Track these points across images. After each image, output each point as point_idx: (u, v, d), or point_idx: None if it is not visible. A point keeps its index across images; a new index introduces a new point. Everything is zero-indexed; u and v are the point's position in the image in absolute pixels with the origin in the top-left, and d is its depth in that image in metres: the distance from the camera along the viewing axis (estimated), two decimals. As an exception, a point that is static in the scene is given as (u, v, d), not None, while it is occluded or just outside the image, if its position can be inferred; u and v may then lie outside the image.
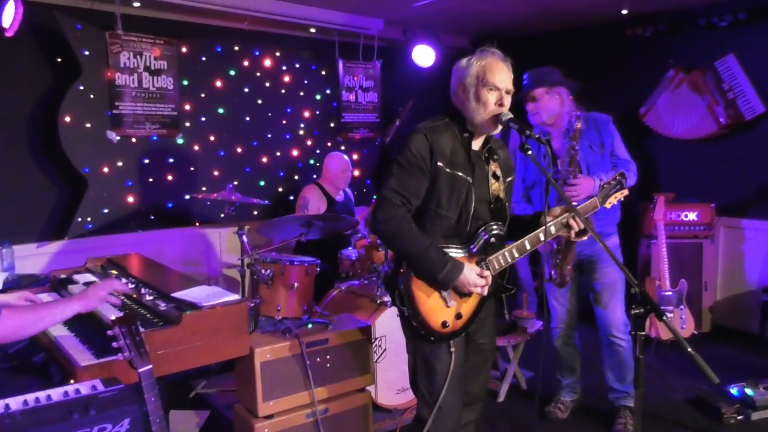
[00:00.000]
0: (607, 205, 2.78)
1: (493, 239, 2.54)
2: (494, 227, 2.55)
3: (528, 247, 2.56)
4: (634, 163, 3.61)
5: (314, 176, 5.82)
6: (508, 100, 2.50)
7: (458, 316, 2.53)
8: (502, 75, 2.47)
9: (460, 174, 2.47)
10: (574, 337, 3.89)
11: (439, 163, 2.44)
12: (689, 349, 1.84)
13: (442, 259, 2.42)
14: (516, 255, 2.56)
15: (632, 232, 5.35)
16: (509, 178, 2.69)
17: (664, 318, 1.92)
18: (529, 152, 2.46)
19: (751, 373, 4.21)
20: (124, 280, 3.25)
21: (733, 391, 3.83)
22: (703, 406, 3.90)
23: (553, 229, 2.58)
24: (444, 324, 2.50)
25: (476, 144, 2.58)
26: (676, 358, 4.69)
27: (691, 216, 5.25)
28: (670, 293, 4.72)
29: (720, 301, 5.47)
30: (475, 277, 2.46)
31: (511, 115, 2.48)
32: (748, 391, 3.76)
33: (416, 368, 2.63)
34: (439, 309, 2.49)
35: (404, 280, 2.47)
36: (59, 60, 4.67)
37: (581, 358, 3.95)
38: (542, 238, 2.55)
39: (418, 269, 2.45)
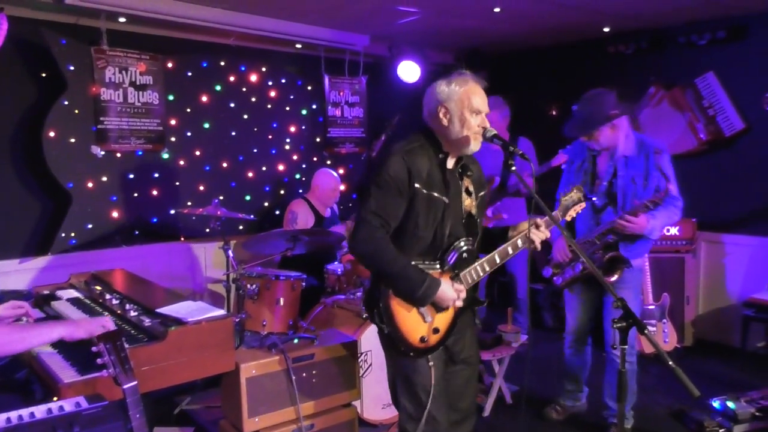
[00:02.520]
0: (567, 218, 2.80)
1: (465, 254, 2.61)
2: (466, 243, 2.62)
3: (498, 260, 2.64)
4: (681, 200, 3.52)
5: (300, 191, 5.83)
6: (486, 122, 2.57)
7: (435, 330, 2.58)
8: (482, 99, 2.56)
9: (436, 195, 2.52)
10: (585, 353, 3.93)
11: (416, 185, 2.48)
12: (670, 363, 1.86)
13: (420, 277, 2.47)
14: (487, 269, 2.64)
15: (615, 247, 5.39)
16: (481, 193, 2.75)
17: (646, 332, 1.95)
18: (513, 168, 2.50)
19: (733, 386, 4.25)
20: (108, 296, 3.24)
21: (716, 404, 3.87)
22: (686, 419, 3.93)
23: (519, 242, 2.64)
24: (422, 339, 2.55)
25: (450, 162, 2.63)
26: (660, 371, 4.72)
27: (673, 231, 5.31)
28: (653, 307, 4.77)
29: (702, 314, 5.52)
30: (451, 292, 2.53)
31: (494, 131, 2.56)
32: (730, 404, 3.79)
33: (396, 384, 2.68)
34: (417, 325, 2.55)
35: (383, 298, 2.51)
36: (44, 75, 4.66)
37: (591, 373, 4.01)
38: (510, 252, 2.64)
39: (396, 288, 2.50)
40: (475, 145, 2.56)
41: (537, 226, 2.63)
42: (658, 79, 5.66)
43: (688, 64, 5.49)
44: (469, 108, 2.51)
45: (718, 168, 5.42)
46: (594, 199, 3.51)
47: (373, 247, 2.46)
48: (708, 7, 4.91)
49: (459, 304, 2.57)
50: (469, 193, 2.66)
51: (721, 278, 5.45)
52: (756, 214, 5.19)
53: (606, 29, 5.70)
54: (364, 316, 3.83)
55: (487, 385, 4.36)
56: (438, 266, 2.58)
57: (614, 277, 3.44)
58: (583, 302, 3.78)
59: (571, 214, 2.80)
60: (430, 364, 2.59)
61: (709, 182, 5.47)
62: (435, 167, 2.55)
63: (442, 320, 2.60)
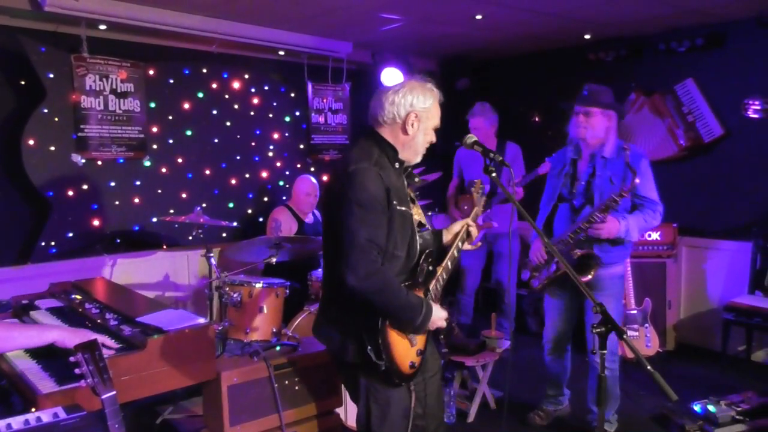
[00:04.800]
0: (481, 210, 2.84)
1: (430, 267, 2.56)
2: (429, 255, 2.56)
3: (450, 266, 2.62)
4: (661, 204, 3.59)
5: (284, 198, 5.82)
6: (434, 138, 2.55)
7: (419, 352, 2.49)
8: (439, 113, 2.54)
9: (404, 209, 2.43)
10: (564, 359, 3.95)
11: (393, 202, 2.36)
12: (648, 367, 1.88)
13: (418, 302, 2.39)
14: (445, 277, 2.60)
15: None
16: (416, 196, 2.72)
17: (625, 337, 1.96)
18: (493, 174, 2.52)
19: (714, 390, 4.28)
20: (88, 305, 3.21)
21: (696, 408, 3.90)
22: (668, 423, 3.98)
23: (461, 244, 2.65)
24: (412, 365, 2.46)
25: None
26: (643, 376, 4.75)
27: (654, 236, 5.36)
28: (635, 312, 4.80)
29: (683, 319, 5.57)
30: (440, 311, 2.48)
31: (475, 138, 2.59)
32: (711, 407, 3.83)
33: (370, 416, 2.51)
34: (407, 352, 2.44)
35: (382, 333, 2.35)
36: (23, 83, 4.63)
37: (571, 378, 4.04)
38: (456, 255, 2.63)
39: (399, 319, 2.37)
40: (419, 158, 2.54)
41: (468, 224, 2.67)
42: (639, 85, 5.72)
43: (668, 71, 5.55)
44: (434, 122, 2.50)
45: (698, 174, 5.48)
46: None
47: (380, 282, 2.29)
48: (686, 15, 4.98)
49: (443, 324, 2.51)
50: (414, 201, 2.59)
51: (702, 283, 5.50)
52: (735, 218, 5.25)
53: (587, 36, 5.75)
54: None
55: (472, 390, 4.37)
56: (412, 284, 2.48)
57: (588, 277, 3.44)
58: (562, 309, 3.81)
59: (482, 204, 2.83)
60: (411, 389, 2.52)
61: (689, 188, 5.53)
62: (398, 178, 2.46)
63: (422, 341, 2.52)
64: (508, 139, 5.38)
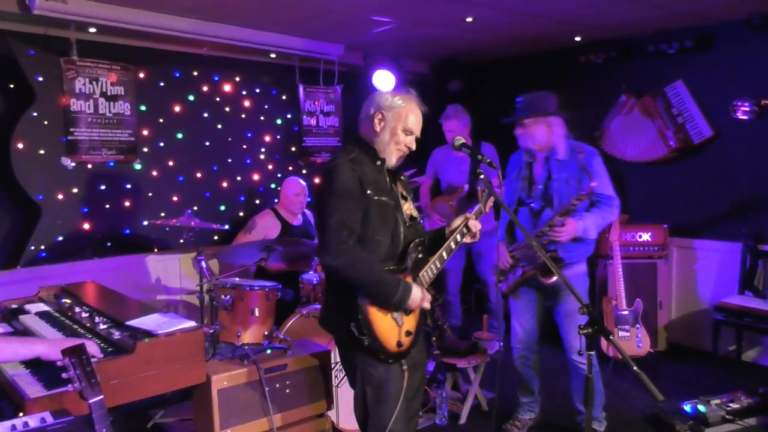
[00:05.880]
0: (486, 209, 2.85)
1: (420, 255, 2.69)
2: (419, 244, 2.69)
3: (445, 256, 2.72)
4: (617, 198, 3.65)
5: (275, 201, 5.81)
6: (414, 145, 2.66)
7: (408, 333, 2.61)
8: (418, 121, 2.65)
9: (385, 199, 2.59)
10: (534, 360, 3.94)
11: (368, 191, 2.53)
12: (634, 368, 1.89)
13: (395, 281, 2.52)
14: (438, 266, 2.71)
15: (589, 253, 5.45)
16: (411, 196, 2.85)
17: (611, 337, 1.97)
18: (481, 175, 2.54)
19: (705, 390, 4.29)
20: (77, 309, 3.20)
21: (687, 408, 3.93)
22: (659, 423, 3.99)
23: (459, 237, 2.74)
24: (399, 344, 2.58)
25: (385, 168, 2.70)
26: (634, 376, 4.76)
27: (645, 237, 5.38)
28: (626, 312, 4.82)
29: (674, 319, 5.59)
30: (421, 293, 2.58)
31: (462, 140, 2.63)
32: (701, 407, 3.85)
33: (366, 398, 2.64)
34: (392, 330, 2.56)
35: (361, 309, 2.49)
36: (12, 86, 4.60)
37: (541, 380, 4.01)
38: (453, 246, 2.72)
39: (376, 294, 2.50)
40: (393, 160, 2.64)
41: (468, 219, 2.75)
42: (629, 87, 5.75)
43: (658, 73, 5.58)
44: (404, 124, 2.61)
45: (688, 174, 5.51)
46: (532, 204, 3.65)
47: (348, 258, 2.47)
48: (675, 18, 5.00)
49: (426, 305, 2.62)
50: (404, 198, 2.75)
51: (692, 283, 5.53)
52: (725, 219, 5.28)
53: (577, 39, 5.77)
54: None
55: (464, 392, 4.38)
56: (399, 271, 2.61)
57: (553, 278, 3.50)
58: (530, 310, 3.82)
59: (489, 204, 2.85)
60: (404, 368, 2.62)
61: (680, 189, 5.56)
62: (377, 173, 2.62)
63: (411, 322, 2.64)
64: (484, 140, 5.40)
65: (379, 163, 2.63)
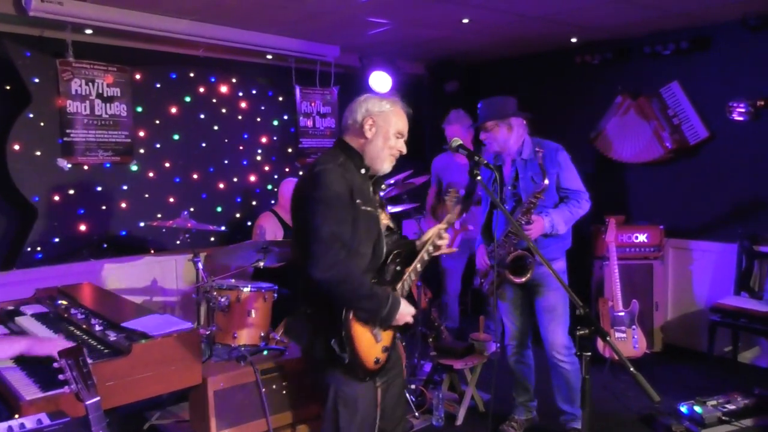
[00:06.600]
0: (456, 217, 2.86)
1: (398, 267, 2.64)
2: (397, 255, 2.64)
3: (420, 268, 2.69)
4: (586, 192, 3.68)
5: (272, 202, 5.81)
6: (404, 149, 2.62)
7: (385, 348, 2.56)
8: (406, 125, 2.63)
9: (370, 209, 2.53)
10: (528, 356, 3.95)
11: (357, 200, 2.46)
12: (631, 369, 1.89)
13: (385, 296, 2.47)
14: (414, 278, 2.67)
15: (585, 255, 5.46)
16: (387, 206, 2.82)
17: (608, 338, 1.97)
18: (478, 177, 2.54)
19: (701, 390, 4.30)
20: (73, 311, 3.20)
21: (683, 409, 3.92)
22: (655, 424, 3.99)
23: (431, 248, 2.70)
24: (377, 360, 2.52)
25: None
26: (631, 377, 4.77)
27: (641, 238, 5.39)
28: (622, 313, 4.82)
29: (670, 320, 5.60)
30: (407, 306, 2.53)
31: (460, 141, 2.62)
32: (697, 408, 3.85)
33: (339, 419, 2.53)
34: (371, 347, 2.49)
35: (345, 325, 2.41)
36: (8, 88, 4.60)
37: (537, 378, 4.01)
38: (426, 258, 2.68)
39: (365, 310, 2.44)
40: (387, 166, 2.60)
41: (440, 236, 2.72)
42: (625, 88, 5.76)
43: (654, 74, 5.59)
44: (395, 128, 2.57)
45: (684, 176, 5.52)
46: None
47: (340, 271, 2.37)
48: (671, 19, 5.02)
49: (410, 319, 2.57)
50: (383, 207, 2.70)
51: (688, 284, 5.54)
52: (721, 220, 5.29)
53: (573, 40, 5.78)
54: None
55: (460, 393, 4.38)
56: (379, 282, 2.55)
57: (525, 277, 3.54)
58: (518, 307, 3.83)
59: (457, 212, 2.86)
60: (377, 385, 2.58)
61: (675, 190, 5.57)
62: (362, 182, 2.56)
63: (388, 337, 2.58)
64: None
65: (363, 171, 2.57)
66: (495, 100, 3.70)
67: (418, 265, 2.67)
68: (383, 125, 2.56)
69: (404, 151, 2.62)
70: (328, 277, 2.36)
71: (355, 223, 2.45)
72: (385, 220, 2.66)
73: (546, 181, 3.46)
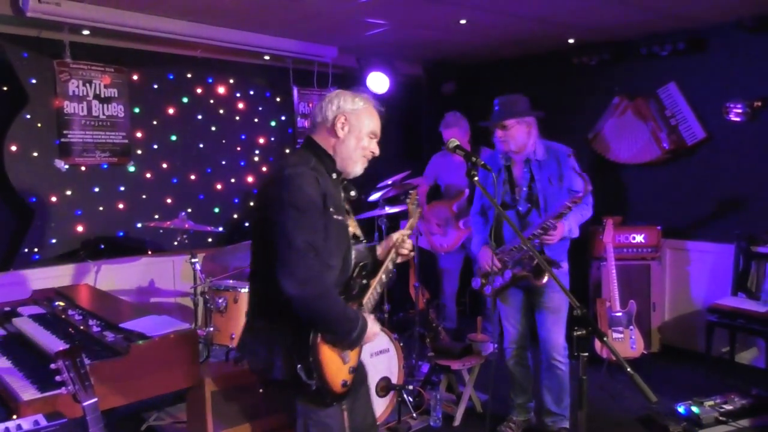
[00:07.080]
0: (415, 222, 2.77)
1: (365, 280, 2.49)
2: (363, 268, 2.50)
3: (385, 279, 2.55)
4: (590, 196, 3.67)
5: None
6: (377, 150, 2.46)
7: (352, 370, 2.38)
8: (379, 125, 2.46)
9: (341, 218, 2.35)
10: (527, 358, 3.95)
11: (330, 209, 2.27)
12: (628, 369, 1.90)
13: (355, 315, 2.29)
14: (379, 290, 2.53)
15: (583, 255, 5.47)
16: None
17: (605, 339, 1.98)
18: (476, 178, 2.54)
19: (698, 391, 4.30)
20: (71, 312, 3.19)
21: (681, 409, 3.94)
22: (652, 424, 4.00)
23: (395, 255, 2.59)
24: (344, 383, 2.33)
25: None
26: (628, 378, 4.77)
27: (639, 238, 5.40)
28: (620, 314, 4.83)
29: (668, 321, 5.61)
30: (374, 325, 2.39)
31: (457, 142, 2.61)
32: (695, 409, 3.86)
33: None
34: (338, 370, 2.31)
35: (313, 350, 2.19)
36: (5, 89, 4.59)
37: (533, 379, 4.01)
38: (391, 267, 2.56)
39: (336, 332, 2.24)
40: (359, 168, 2.43)
41: (404, 242, 2.59)
42: (622, 89, 5.77)
43: (651, 75, 5.60)
44: (368, 128, 2.41)
45: (681, 176, 5.53)
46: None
47: (317, 287, 2.16)
48: (668, 20, 5.02)
49: (375, 339, 2.42)
50: (350, 213, 2.52)
51: (686, 285, 5.54)
52: (718, 220, 5.30)
53: (571, 41, 5.79)
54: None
55: (458, 394, 4.38)
56: (347, 297, 2.39)
57: (544, 280, 3.53)
58: (520, 310, 3.83)
59: (417, 216, 2.79)
60: (343, 407, 2.37)
61: (673, 190, 5.58)
62: (334, 187, 2.37)
63: (355, 357, 2.40)
64: (484, 145, 5.40)
65: (335, 176, 2.39)
66: (514, 98, 3.66)
67: (383, 276, 2.52)
68: (356, 124, 2.38)
69: (377, 152, 2.45)
70: (305, 293, 2.14)
71: (327, 233, 2.25)
72: (351, 228, 2.47)
73: (589, 187, 3.42)
